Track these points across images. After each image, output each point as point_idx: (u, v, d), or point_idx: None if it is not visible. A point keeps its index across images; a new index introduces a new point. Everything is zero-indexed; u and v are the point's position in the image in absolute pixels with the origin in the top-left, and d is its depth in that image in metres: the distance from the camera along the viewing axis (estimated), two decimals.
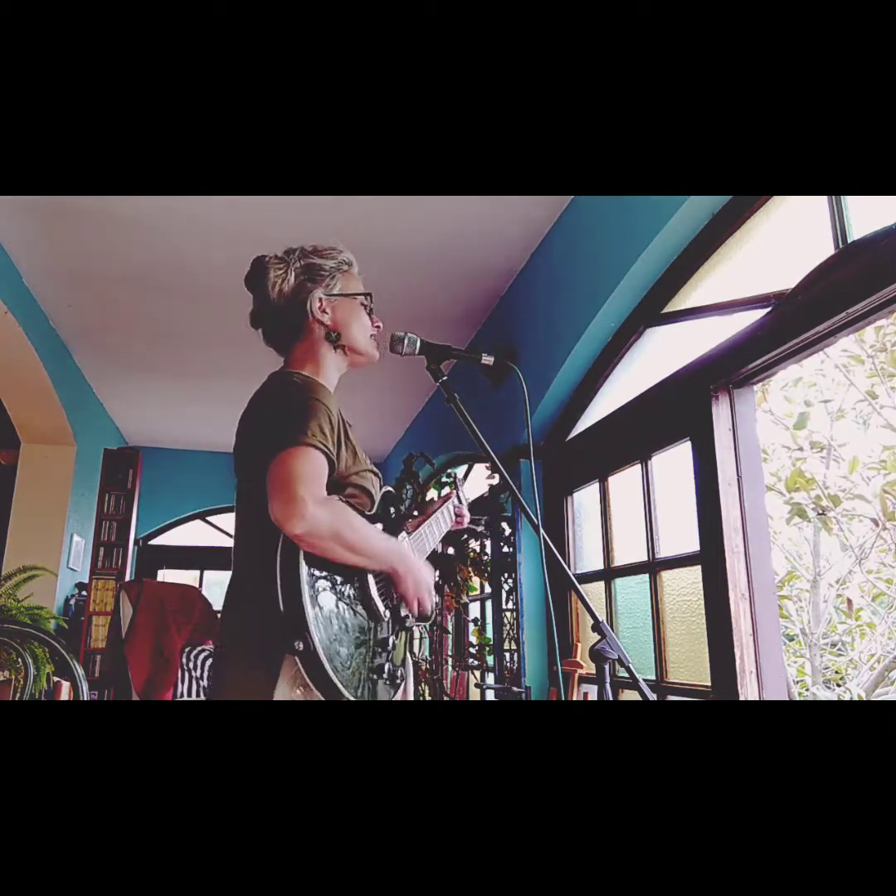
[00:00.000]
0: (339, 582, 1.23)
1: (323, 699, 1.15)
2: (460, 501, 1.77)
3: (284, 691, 1.16)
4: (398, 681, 1.31)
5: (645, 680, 1.24)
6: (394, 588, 1.31)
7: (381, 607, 1.28)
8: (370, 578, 1.27)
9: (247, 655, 1.22)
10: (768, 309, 2.13)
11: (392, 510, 1.46)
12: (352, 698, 1.16)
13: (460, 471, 4.74)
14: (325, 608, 1.18)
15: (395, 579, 1.30)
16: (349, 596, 1.24)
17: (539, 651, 3.32)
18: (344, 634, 1.20)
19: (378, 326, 1.48)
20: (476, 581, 4.00)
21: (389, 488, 1.49)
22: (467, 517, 1.75)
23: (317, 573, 1.19)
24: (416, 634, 4.52)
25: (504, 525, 3.57)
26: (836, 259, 1.92)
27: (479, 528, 3.59)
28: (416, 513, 1.66)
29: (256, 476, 1.21)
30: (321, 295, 1.40)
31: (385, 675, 1.27)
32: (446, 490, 4.55)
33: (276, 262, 1.40)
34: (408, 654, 1.40)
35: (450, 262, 3.63)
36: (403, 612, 1.34)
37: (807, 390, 4.62)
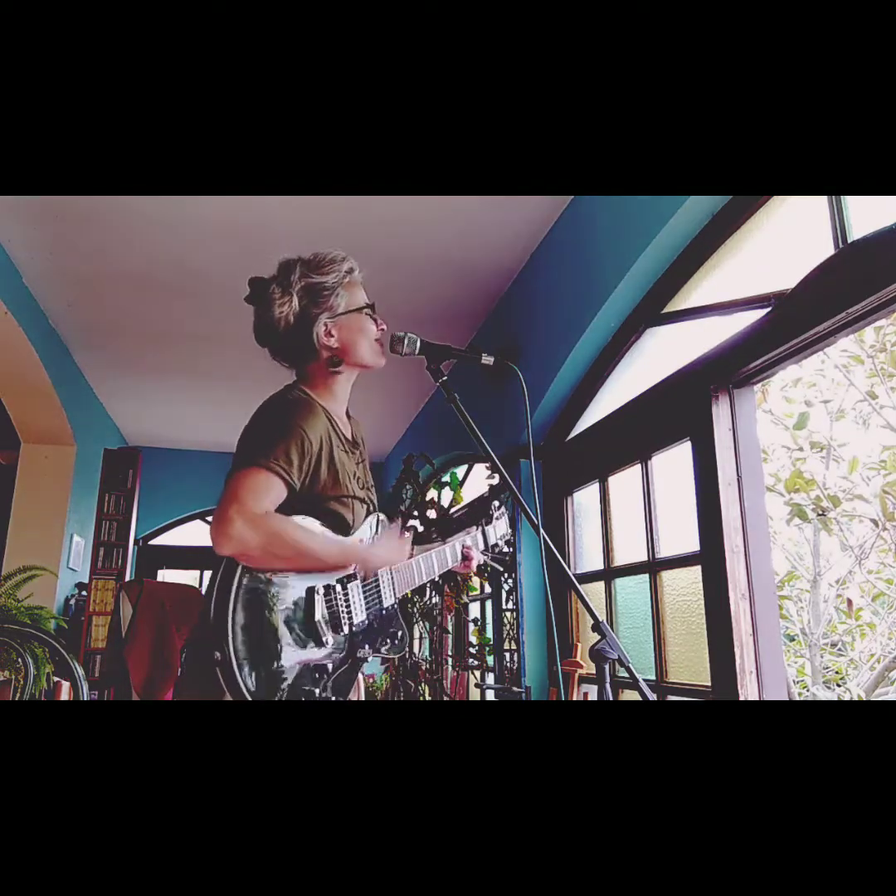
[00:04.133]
0: (278, 601, 1.23)
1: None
2: (485, 544, 1.67)
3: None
4: None
5: (645, 680, 1.24)
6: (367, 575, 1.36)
7: (326, 633, 1.27)
8: (318, 601, 1.27)
9: (204, 665, 1.22)
10: (768, 309, 2.13)
11: (377, 531, 1.45)
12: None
13: (460, 471, 4.74)
14: (256, 624, 1.19)
15: (362, 571, 1.35)
16: (292, 614, 1.24)
17: (539, 651, 3.32)
18: (271, 652, 1.20)
19: (383, 328, 1.48)
20: (476, 581, 4.00)
21: (381, 516, 1.48)
22: (476, 560, 1.63)
23: (256, 588, 1.20)
24: (417, 634, 4.52)
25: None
26: (836, 259, 1.92)
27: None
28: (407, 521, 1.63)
29: None
30: (326, 319, 1.39)
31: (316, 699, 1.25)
32: (446, 491, 4.55)
33: (280, 295, 1.37)
34: (357, 689, 1.38)
35: (450, 262, 3.63)
36: (360, 651, 1.33)
37: (807, 390, 4.62)
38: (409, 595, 4.07)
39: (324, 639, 1.26)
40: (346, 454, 1.40)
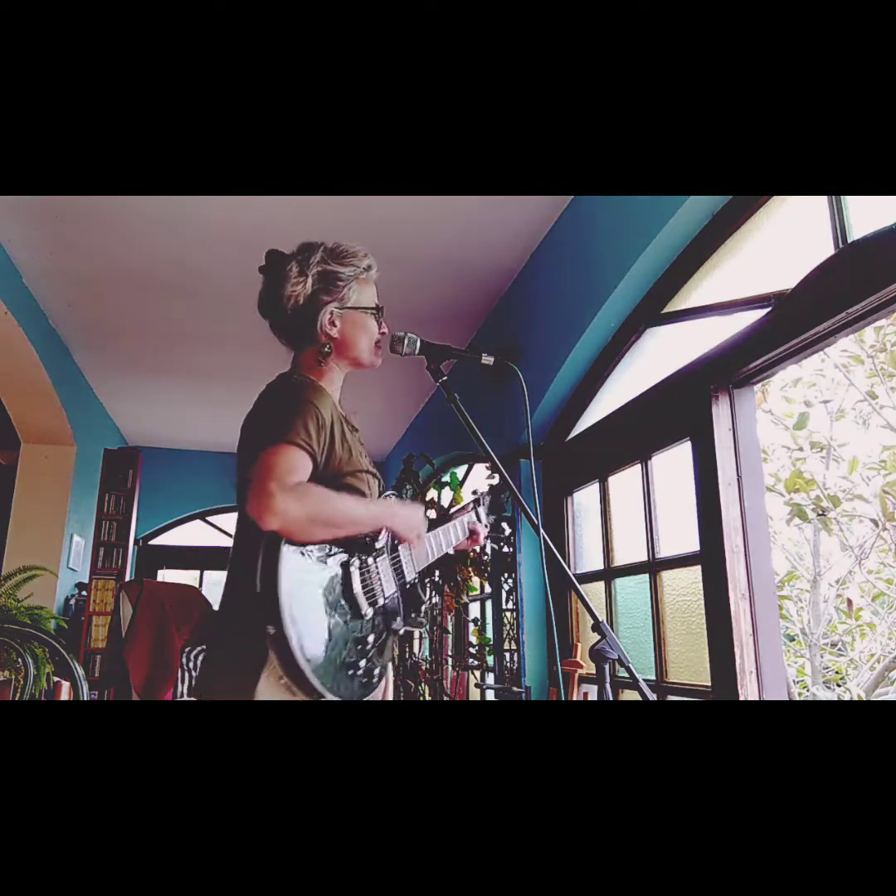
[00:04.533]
0: (321, 574, 1.25)
1: (299, 692, 1.17)
2: (479, 519, 1.75)
3: (270, 684, 1.18)
4: (374, 681, 1.32)
5: (645, 680, 1.24)
6: (396, 538, 1.39)
7: (365, 605, 1.29)
8: (355, 574, 1.29)
9: (234, 648, 1.25)
10: (768, 309, 2.13)
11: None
12: (322, 688, 1.17)
13: (460, 471, 4.74)
14: (304, 598, 1.20)
15: (394, 534, 1.38)
16: (332, 589, 1.26)
17: (539, 651, 3.32)
18: (320, 625, 1.21)
19: (383, 332, 1.49)
20: (476, 581, 4.00)
21: (391, 493, 1.49)
22: (482, 535, 1.73)
23: (299, 564, 1.21)
24: (416, 634, 4.52)
25: (504, 525, 3.57)
26: (836, 259, 1.92)
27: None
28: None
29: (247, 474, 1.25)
30: (333, 308, 1.41)
31: (360, 673, 1.27)
32: (446, 491, 4.55)
33: (296, 274, 1.40)
34: (390, 660, 1.40)
35: (450, 262, 3.63)
36: (394, 623, 1.37)
37: (807, 390, 4.61)
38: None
39: (363, 611, 1.29)
40: (351, 433, 1.42)
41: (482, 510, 1.79)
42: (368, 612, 1.30)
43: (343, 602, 1.27)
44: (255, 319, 1.47)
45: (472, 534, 1.70)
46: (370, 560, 1.34)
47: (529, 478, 3.04)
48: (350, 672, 1.25)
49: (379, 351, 1.49)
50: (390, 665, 1.43)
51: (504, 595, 3.51)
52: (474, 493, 1.87)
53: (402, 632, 1.41)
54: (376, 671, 1.32)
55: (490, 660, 3.73)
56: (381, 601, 1.34)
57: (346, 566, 1.29)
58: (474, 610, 4.21)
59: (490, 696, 3.65)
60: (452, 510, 4.31)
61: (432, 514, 4.09)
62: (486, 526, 1.78)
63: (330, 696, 1.19)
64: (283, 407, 1.30)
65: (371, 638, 1.31)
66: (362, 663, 1.28)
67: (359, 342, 1.45)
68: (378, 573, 1.35)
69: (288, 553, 1.19)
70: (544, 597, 3.04)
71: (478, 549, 3.89)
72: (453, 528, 1.66)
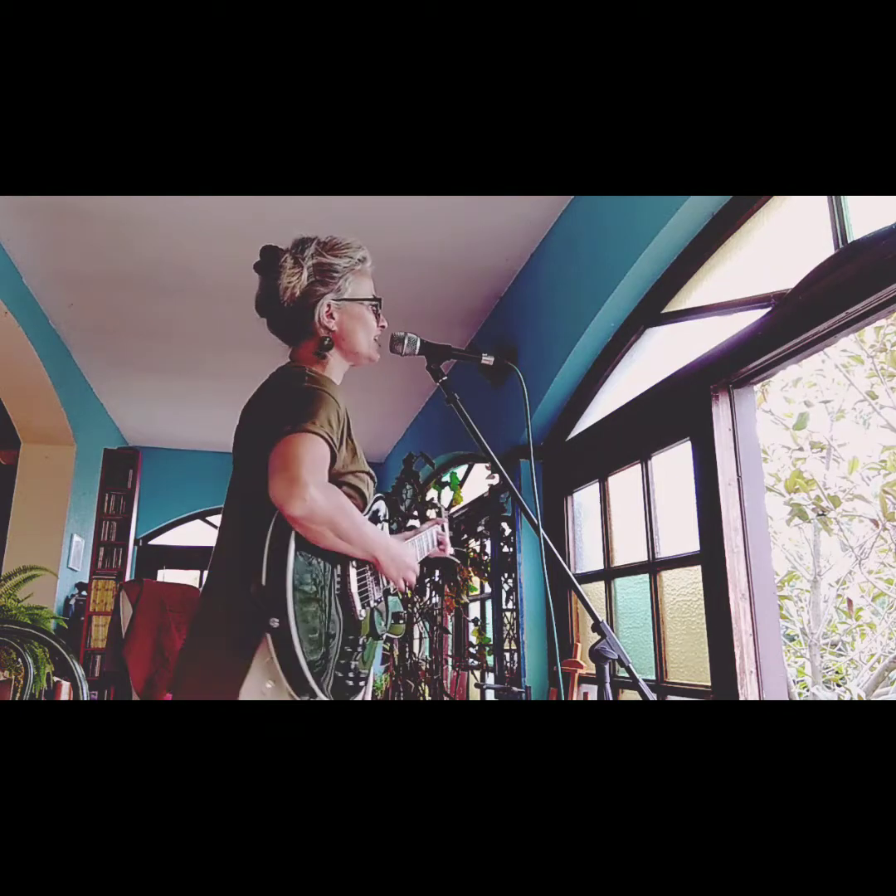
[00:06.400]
0: (323, 572, 1.24)
1: (290, 690, 1.16)
2: (444, 530, 1.78)
3: (255, 682, 1.17)
4: (361, 684, 1.31)
5: (645, 680, 1.24)
6: (379, 572, 1.35)
7: (359, 606, 1.29)
8: (352, 574, 1.29)
9: (220, 642, 1.23)
10: (768, 309, 2.13)
11: (382, 514, 1.47)
12: (316, 686, 1.17)
13: (460, 471, 4.74)
14: (306, 593, 1.19)
15: (378, 567, 1.33)
16: (330, 588, 1.25)
17: (539, 651, 3.32)
18: (318, 623, 1.21)
19: (383, 326, 1.48)
20: (476, 581, 4.00)
21: (380, 495, 1.49)
22: (449, 548, 1.75)
23: (303, 558, 1.20)
24: (416, 634, 4.52)
25: (504, 525, 3.57)
26: (836, 259, 1.92)
27: (479, 529, 3.58)
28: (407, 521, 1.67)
29: (256, 460, 1.22)
30: (330, 300, 1.39)
31: (350, 675, 1.27)
32: (446, 491, 4.56)
33: (291, 266, 1.38)
34: (372, 664, 1.40)
35: (450, 262, 3.63)
36: (379, 627, 1.37)
37: (807, 390, 4.62)
38: (410, 594, 4.09)
39: (358, 613, 1.28)
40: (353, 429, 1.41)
41: (445, 521, 1.81)
42: (363, 613, 1.30)
43: (337, 602, 1.27)
44: (256, 320, 1.47)
45: (440, 544, 1.72)
46: (365, 565, 1.34)
47: (529, 478, 3.04)
48: (339, 674, 1.25)
49: (377, 344, 1.48)
50: (372, 675, 1.42)
51: (504, 595, 3.51)
52: (435, 506, 1.88)
53: (383, 637, 1.41)
54: (364, 674, 1.32)
55: (490, 660, 3.73)
56: (371, 604, 1.34)
57: (345, 565, 1.28)
58: (474, 610, 4.21)
59: (490, 696, 3.65)
60: (453, 511, 4.30)
61: (432, 514, 4.09)
62: (451, 535, 1.79)
63: (321, 696, 1.18)
64: (303, 396, 1.26)
65: (361, 640, 1.30)
66: (353, 664, 1.27)
67: (357, 335, 1.42)
68: (372, 576, 1.36)
69: (294, 547, 1.18)
70: (544, 597, 3.04)
71: (477, 549, 3.89)
72: (424, 538, 1.66)
